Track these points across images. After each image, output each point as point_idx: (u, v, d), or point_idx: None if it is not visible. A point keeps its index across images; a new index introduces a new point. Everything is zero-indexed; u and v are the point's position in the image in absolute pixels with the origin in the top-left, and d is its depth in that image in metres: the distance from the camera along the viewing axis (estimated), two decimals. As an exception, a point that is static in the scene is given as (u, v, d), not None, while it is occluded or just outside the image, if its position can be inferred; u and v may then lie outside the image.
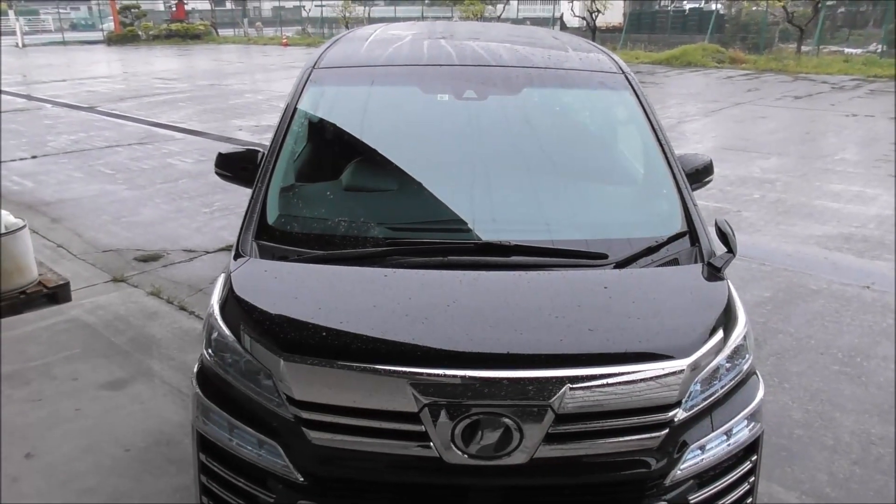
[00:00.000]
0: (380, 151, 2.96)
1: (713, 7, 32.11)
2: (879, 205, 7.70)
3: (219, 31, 43.04)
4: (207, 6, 48.56)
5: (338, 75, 3.21)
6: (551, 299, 2.25)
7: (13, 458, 3.36)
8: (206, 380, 2.31)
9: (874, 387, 4.14)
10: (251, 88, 18.52)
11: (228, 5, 52.57)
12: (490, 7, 33.18)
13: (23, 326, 4.73)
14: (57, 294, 5.11)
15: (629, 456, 2.06)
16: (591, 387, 1.98)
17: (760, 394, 2.34)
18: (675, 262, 2.51)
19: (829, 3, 27.63)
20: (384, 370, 1.97)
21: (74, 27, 46.29)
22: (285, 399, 2.05)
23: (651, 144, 2.93)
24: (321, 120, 3.10)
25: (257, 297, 2.25)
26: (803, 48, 24.63)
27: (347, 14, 37.15)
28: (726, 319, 2.28)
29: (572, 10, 32.00)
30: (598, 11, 28.69)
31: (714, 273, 2.45)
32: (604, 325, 2.17)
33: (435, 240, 2.52)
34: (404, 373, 1.96)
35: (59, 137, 11.67)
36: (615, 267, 2.42)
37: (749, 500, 2.31)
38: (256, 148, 3.22)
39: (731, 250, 2.52)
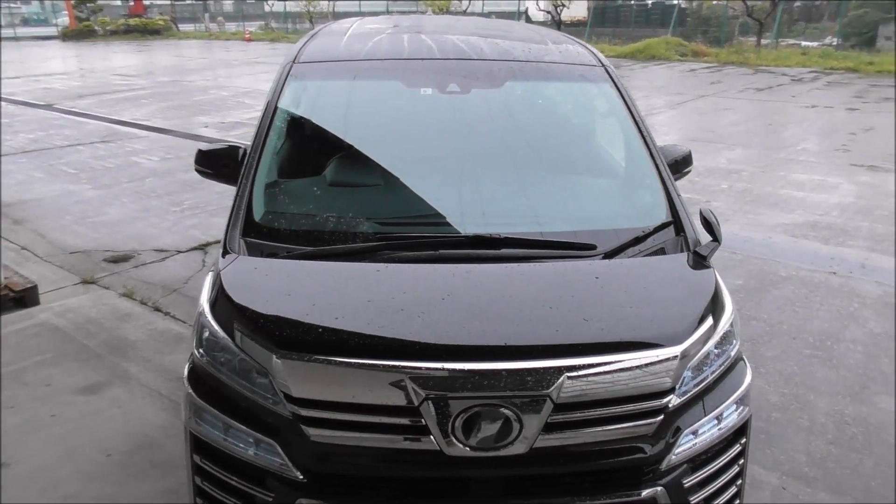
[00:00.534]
0: (365, 146, 2.94)
1: (675, 1, 32.52)
2: (841, 193, 7.90)
3: (179, 26, 42.39)
4: (167, 1, 47.72)
5: (319, 70, 3.18)
6: (544, 290, 2.27)
7: (-10, 465, 3.29)
8: (198, 380, 2.27)
9: (845, 369, 4.25)
10: (215, 84, 18.26)
11: (189, 0, 51.72)
12: (456, 2, 33.14)
13: (-9, 331, 4.62)
14: (24, 297, 4.99)
15: (626, 443, 2.09)
16: (588, 375, 2.00)
17: (748, 378, 2.39)
18: (661, 251, 2.54)
19: (786, -4, 28.20)
20: (384, 365, 1.97)
21: (26, 22, 45.08)
22: (283, 397, 2.03)
23: (633, 136, 2.97)
24: (304, 115, 3.07)
25: (249, 294, 2.22)
26: (762, 41, 25.09)
27: (311, 9, 36.80)
28: (714, 307, 2.32)
29: (537, 4, 32.15)
30: (563, 5, 28.88)
31: (700, 261, 2.48)
32: (597, 315, 2.19)
33: (425, 234, 2.51)
34: (404, 367, 1.96)
35: (16, 136, 11.38)
36: (604, 257, 2.44)
37: (739, 481, 2.35)
38: (237, 144, 3.18)
39: (716, 239, 2.56)
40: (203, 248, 6.28)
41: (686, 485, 2.18)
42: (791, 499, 3.17)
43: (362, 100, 3.15)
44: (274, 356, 2.02)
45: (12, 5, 42.32)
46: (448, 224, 2.60)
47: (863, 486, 3.23)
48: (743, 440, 2.35)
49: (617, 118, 3.08)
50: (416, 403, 1.97)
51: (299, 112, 3.06)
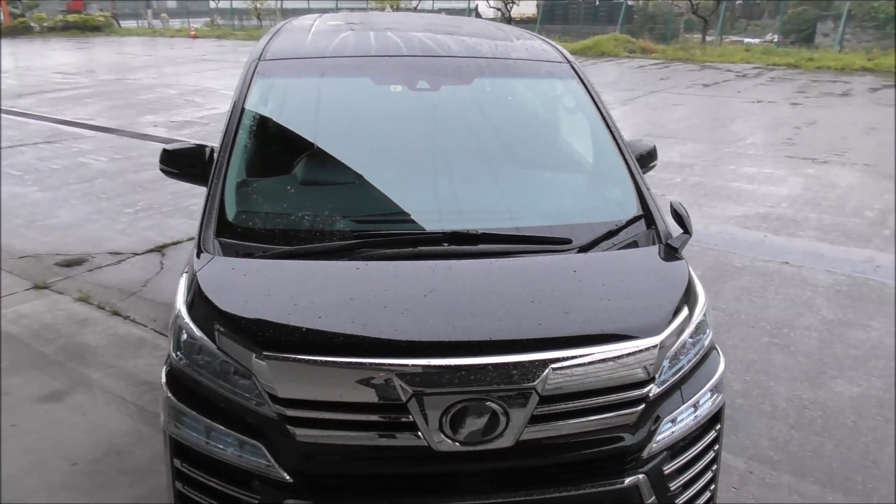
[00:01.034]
0: (337, 144, 2.92)
1: (622, -2, 33.06)
2: (789, 185, 8.14)
3: (120, 22, 41.25)
4: (107, -4, 46.48)
5: (286, 67, 3.15)
6: (524, 285, 2.29)
7: (-52, 479, 3.17)
8: (177, 383, 2.23)
9: (801, 355, 4.39)
10: (162, 83, 17.84)
11: (130, -4, 50.38)
12: (405, 1, 33.05)
13: (-59, 340, 4.44)
14: (-26, 304, 4.82)
15: (609, 432, 2.13)
16: (572, 367, 2.03)
17: (721, 366, 2.45)
18: (634, 244, 2.59)
19: (728, -6, 28.92)
20: (371, 363, 1.96)
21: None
22: (268, 398, 2.01)
23: (602, 131, 3.02)
24: (273, 113, 3.03)
25: (228, 295, 2.19)
26: (707, 38, 25.68)
27: (259, 5, 36.25)
28: (688, 297, 2.37)
29: (488, 2, 32.28)
30: (513, 2, 29.05)
31: (673, 254, 2.54)
32: (578, 308, 2.22)
33: (402, 231, 2.51)
34: (391, 365, 1.96)
35: (-47, 138, 10.96)
36: (579, 251, 2.48)
37: (715, 466, 2.42)
38: (204, 143, 3.12)
39: (686, 231, 2.63)
40: (160, 250, 6.15)
41: (666, 471, 2.23)
42: (758, 482, 3.26)
43: (332, 97, 3.12)
44: (258, 357, 2.00)
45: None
46: (425, 221, 2.61)
47: (825, 468, 3.35)
48: (718, 426, 2.42)
49: (585, 114, 3.12)
50: (404, 400, 1.97)
51: (268, 110, 3.02)
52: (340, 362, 1.97)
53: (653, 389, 2.16)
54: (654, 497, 2.21)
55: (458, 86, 3.12)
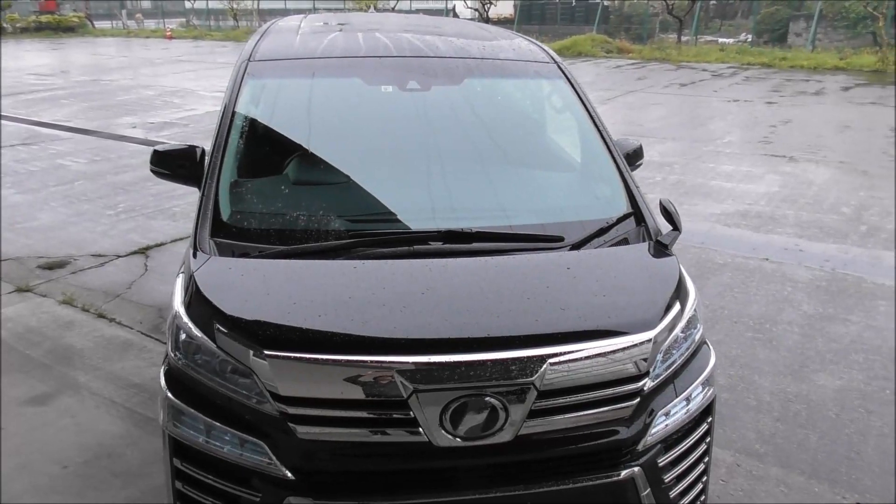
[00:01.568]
0: (330, 144, 2.94)
1: (599, -2, 33.32)
2: (767, 183, 8.27)
3: (94, 23, 40.75)
4: (80, -4, 45.90)
5: (276, 68, 3.15)
6: (520, 282, 2.32)
7: (-64, 484, 3.13)
8: (175, 382, 2.23)
9: (784, 350, 4.47)
10: (139, 84, 17.68)
11: (103, -4, 49.81)
12: (383, 1, 33.02)
13: (-77, 345, 4.38)
14: (-44, 308, 4.76)
15: (605, 426, 2.16)
16: (570, 362, 2.07)
17: (712, 360, 2.50)
18: (625, 241, 2.64)
19: (703, -6, 29.26)
20: (371, 361, 1.98)
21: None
22: (269, 396, 2.02)
23: (590, 130, 3.06)
24: (265, 113, 3.03)
25: (227, 295, 2.19)
26: (682, 38, 25.95)
27: (235, 6, 36.00)
28: (679, 293, 2.42)
29: (465, 2, 32.34)
30: (491, 3, 29.12)
31: (663, 250, 2.59)
32: (573, 304, 2.25)
33: (397, 230, 2.53)
34: (391, 362, 1.98)
35: (-73, 140, 10.78)
36: (571, 248, 2.52)
37: (707, 458, 2.47)
38: (194, 144, 3.12)
39: (676, 228, 2.68)
40: (144, 252, 6.10)
41: (660, 464, 2.27)
42: (745, 474, 3.32)
43: (323, 98, 3.13)
44: (259, 355, 2.01)
45: None
46: (418, 220, 2.63)
47: (810, 459, 3.42)
48: (709, 419, 2.46)
49: (573, 113, 3.17)
50: (405, 397, 1.99)
51: (260, 110, 3.02)
52: (341, 360, 1.99)
53: (647, 383, 2.20)
54: (649, 489, 2.25)
55: (448, 86, 3.15)
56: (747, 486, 3.25)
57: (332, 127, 3.09)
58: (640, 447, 2.22)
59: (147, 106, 14.10)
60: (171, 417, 2.19)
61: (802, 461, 3.41)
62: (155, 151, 3.10)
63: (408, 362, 1.98)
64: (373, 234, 2.50)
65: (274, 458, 2.04)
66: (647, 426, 2.22)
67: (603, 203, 2.88)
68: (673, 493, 2.33)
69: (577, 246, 2.53)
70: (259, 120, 2.98)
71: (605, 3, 32.21)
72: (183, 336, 2.21)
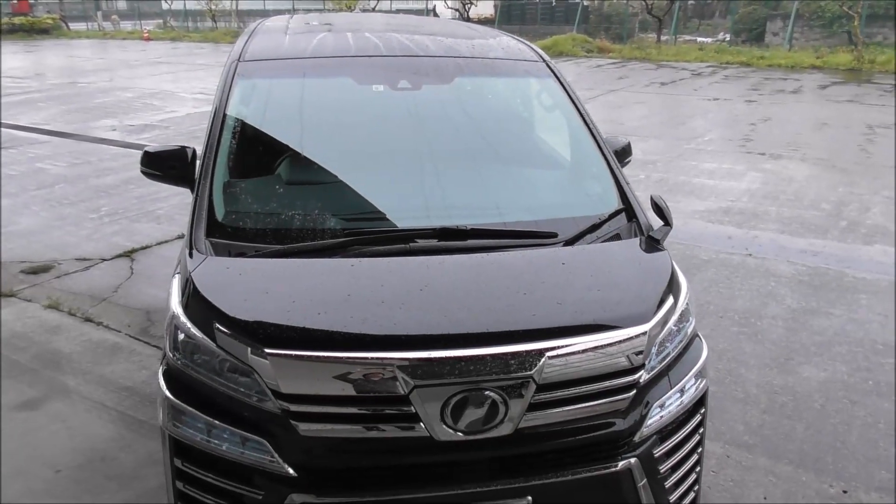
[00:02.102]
0: (322, 143, 2.95)
1: (578, -2, 33.50)
2: (748, 180, 8.38)
3: (69, 25, 40.27)
4: (55, -2, 45.35)
5: (266, 68, 3.16)
6: (516, 277, 2.35)
7: (-73, 490, 3.10)
8: (175, 382, 2.23)
9: (769, 343, 4.54)
10: (117, 86, 17.51)
11: (78, -3, 49.23)
12: (364, 1, 32.96)
13: None
14: (-60, 313, 4.71)
15: (602, 418, 2.19)
16: (567, 356, 2.10)
17: (705, 353, 2.55)
18: (617, 237, 2.67)
19: (681, -6, 29.51)
20: (372, 357, 2.00)
21: None
22: (271, 394, 2.03)
23: (581, 128, 3.10)
24: (256, 113, 3.04)
25: (226, 294, 2.20)
26: (662, 37, 26.16)
27: (213, 7, 35.74)
28: (672, 287, 2.46)
29: (445, 2, 32.37)
30: (471, 3, 29.18)
31: (655, 245, 2.63)
32: (569, 299, 2.29)
33: (393, 228, 2.55)
34: (392, 358, 2.00)
35: None
36: (565, 244, 2.55)
37: (700, 449, 2.51)
38: (186, 145, 3.12)
39: (667, 223, 2.72)
40: (129, 255, 6.06)
41: (656, 455, 2.31)
42: (735, 465, 3.38)
43: (314, 97, 3.14)
44: (260, 354, 2.02)
45: None
46: (413, 217, 2.65)
47: (797, 450, 3.48)
48: (702, 410, 2.51)
49: (564, 111, 3.20)
50: (406, 392, 2.01)
51: (251, 110, 3.02)
52: (343, 357, 2.00)
53: (642, 376, 2.24)
54: (645, 479, 2.28)
55: (438, 85, 3.17)
56: (737, 476, 3.31)
57: (325, 126, 3.10)
58: (636, 438, 2.25)
59: (126, 108, 13.98)
60: (171, 418, 2.19)
61: (790, 451, 3.47)
62: (145, 152, 3.09)
63: (408, 358, 2.00)
64: (367, 232, 2.51)
65: (276, 455, 2.05)
66: (642, 418, 2.25)
67: (595, 199, 2.92)
68: (668, 484, 2.36)
69: (570, 242, 2.56)
70: (251, 120, 2.99)
71: (585, 3, 32.39)
72: (181, 336, 2.21)
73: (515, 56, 3.39)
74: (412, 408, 2.02)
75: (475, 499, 2.13)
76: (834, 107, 13.32)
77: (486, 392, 2.04)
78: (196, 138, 10.04)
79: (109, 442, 3.44)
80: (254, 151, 2.93)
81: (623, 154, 3.43)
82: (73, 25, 40.95)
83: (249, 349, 2.04)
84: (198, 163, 2.93)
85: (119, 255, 6.04)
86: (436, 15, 34.01)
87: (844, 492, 3.20)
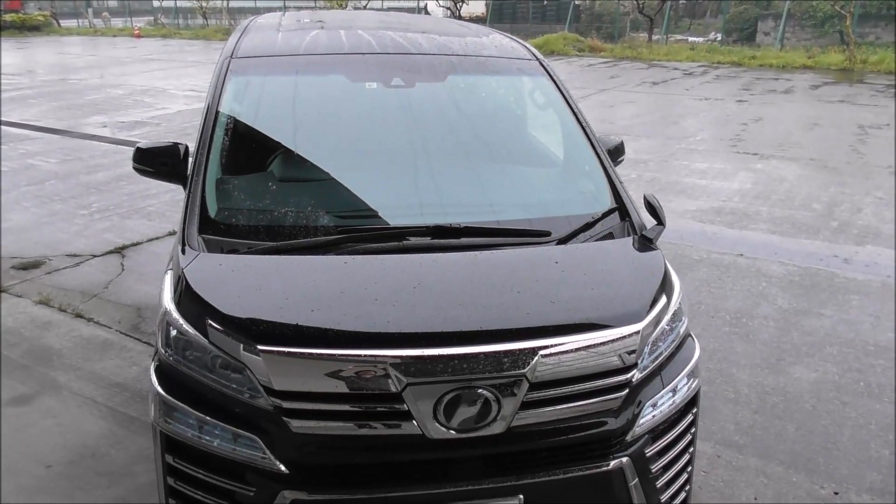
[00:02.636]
0: (315, 141, 2.94)
1: (570, -3, 33.52)
2: (740, 180, 8.40)
3: (60, 22, 40.01)
4: (45, -5, 45.01)
5: (259, 65, 3.15)
6: (509, 276, 2.35)
7: (-85, 488, 3.08)
8: (167, 378, 2.22)
9: (760, 343, 4.56)
10: (108, 83, 17.41)
11: (70, -6, 48.86)
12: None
13: None
14: (-71, 310, 4.67)
15: (595, 417, 2.20)
16: (560, 354, 2.10)
17: (697, 353, 2.55)
18: (610, 236, 2.68)
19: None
20: (365, 355, 2.00)
21: None
22: (263, 390, 2.02)
23: (574, 127, 3.10)
24: (249, 110, 3.03)
25: (219, 291, 2.19)
26: (653, 37, 26.21)
27: (204, 4, 35.59)
28: (665, 286, 2.47)
29: (437, 1, 32.33)
30: (463, 1, 29.16)
31: (648, 244, 2.64)
32: (563, 298, 2.29)
33: (386, 225, 2.55)
34: (385, 356, 2.00)
35: None
36: (558, 243, 2.55)
37: (692, 448, 2.52)
38: (179, 142, 3.10)
39: (660, 222, 2.72)
40: (120, 251, 6.04)
41: (648, 454, 2.31)
42: (725, 465, 3.39)
43: (308, 94, 3.14)
44: (252, 350, 2.01)
45: None
46: (406, 215, 2.65)
47: (788, 450, 3.49)
48: (694, 410, 2.52)
49: (557, 110, 3.20)
50: (399, 390, 2.01)
51: (244, 107, 3.01)
52: (335, 354, 2.00)
53: (635, 375, 2.24)
54: (637, 479, 2.29)
55: (432, 83, 3.17)
56: (728, 476, 3.32)
57: (318, 123, 3.09)
58: (628, 438, 2.26)
59: (117, 105, 13.91)
60: (163, 414, 2.18)
61: (781, 452, 3.48)
62: (138, 149, 3.07)
63: (401, 356, 2.00)
64: (360, 229, 2.51)
65: (268, 452, 2.04)
66: (635, 417, 2.26)
67: (588, 198, 2.92)
68: (659, 483, 2.37)
69: (563, 240, 2.56)
70: (244, 117, 2.98)
71: (577, 2, 32.42)
72: (174, 332, 2.20)
73: (509, 54, 3.39)
74: (405, 405, 2.02)
75: (467, 497, 2.13)
76: (825, 107, 13.38)
77: (479, 390, 2.05)
78: (187, 135, 10.01)
79: (100, 438, 3.42)
80: (247, 148, 2.92)
81: (616, 153, 3.44)
82: (64, 22, 40.70)
83: (242, 346, 2.03)
84: (190, 159, 2.92)
85: (110, 252, 6.02)
86: (427, 13, 33.98)
87: (836, 493, 3.21)
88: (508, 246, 2.52)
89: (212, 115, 2.85)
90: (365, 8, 33.10)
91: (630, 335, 2.20)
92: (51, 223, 6.79)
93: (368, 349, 2.01)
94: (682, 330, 2.52)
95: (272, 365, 2.00)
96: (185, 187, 2.79)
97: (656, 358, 2.34)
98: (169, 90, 15.98)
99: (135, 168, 3.10)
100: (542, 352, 2.07)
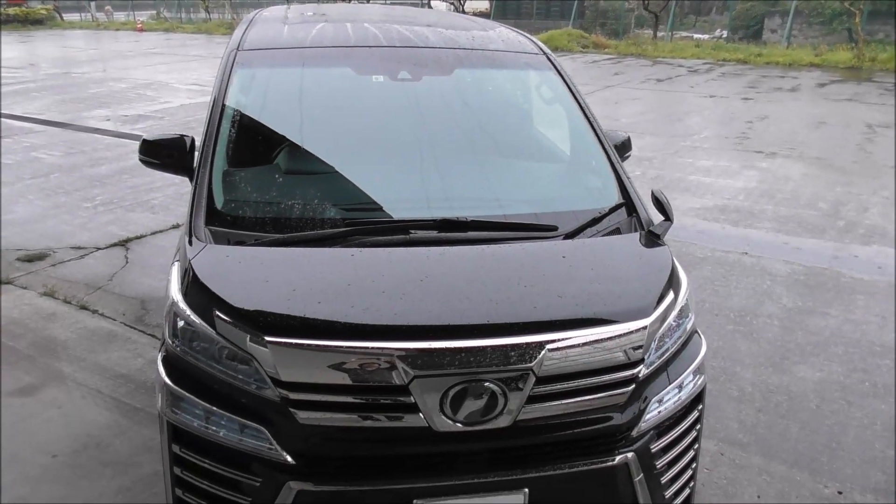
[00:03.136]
0: (322, 133, 2.94)
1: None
2: (745, 178, 8.39)
3: (63, 15, 40.00)
4: (48, -12, 44.90)
5: (266, 57, 3.14)
6: (516, 270, 2.35)
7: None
8: (174, 368, 2.22)
9: (765, 342, 4.55)
10: (111, 76, 17.42)
11: (73, -13, 48.77)
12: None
13: None
14: (-66, 300, 4.68)
15: (601, 412, 2.20)
16: (567, 349, 2.10)
17: (704, 349, 2.55)
18: (617, 231, 2.67)
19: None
20: (372, 347, 2.00)
21: None
22: (270, 382, 2.02)
23: (581, 121, 3.09)
24: (256, 102, 3.02)
25: (226, 282, 2.19)
26: (658, 34, 26.13)
27: (207, -2, 35.54)
28: (672, 282, 2.46)
29: (441, -4, 32.34)
30: (467, -3, 29.10)
31: (655, 240, 2.63)
32: (570, 292, 2.28)
33: (394, 218, 2.55)
34: (392, 348, 1.99)
35: None
36: (565, 238, 2.55)
37: (697, 445, 2.52)
38: (185, 134, 3.10)
39: (668, 218, 2.72)
40: (124, 244, 6.04)
41: (653, 450, 2.31)
42: (729, 463, 3.39)
43: (314, 87, 3.13)
44: (260, 342, 2.01)
45: None
46: (413, 209, 2.65)
47: (791, 449, 3.49)
48: (700, 407, 2.51)
49: (564, 104, 3.20)
50: (405, 382, 2.00)
51: (250, 99, 3.01)
52: (343, 346, 2.00)
53: (641, 370, 2.24)
54: (642, 474, 2.28)
55: (439, 76, 3.16)
56: (731, 474, 3.32)
57: (324, 116, 3.08)
58: (634, 433, 2.25)
59: (120, 99, 13.91)
60: (170, 404, 2.18)
61: (784, 451, 3.48)
62: (144, 140, 3.07)
63: (408, 348, 2.00)
64: (367, 222, 2.51)
65: (275, 443, 2.05)
66: (641, 412, 2.25)
67: (595, 193, 2.91)
68: (664, 479, 2.37)
69: (570, 235, 2.56)
70: (250, 109, 2.97)
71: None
72: (181, 323, 2.20)
73: (516, 48, 3.38)
74: (411, 398, 2.02)
75: (472, 490, 2.13)
76: (833, 105, 13.34)
77: (486, 383, 2.04)
78: (190, 129, 9.96)
79: (105, 429, 3.43)
80: (253, 140, 2.92)
81: (623, 148, 3.43)
82: (67, 16, 40.67)
83: (249, 337, 2.03)
84: (196, 152, 2.91)
85: (114, 244, 6.02)
86: (430, 7, 33.93)
87: (839, 492, 3.21)
88: (515, 240, 2.51)
89: (218, 108, 2.85)
90: (370, 2, 33.08)
91: (637, 331, 2.20)
92: (55, 216, 6.80)
93: (375, 341, 2.01)
94: (688, 326, 2.52)
95: (279, 356, 2.00)
96: (191, 179, 2.79)
97: (663, 354, 2.34)
98: (172, 84, 15.98)
99: (141, 160, 3.10)
100: (548, 346, 2.07)
